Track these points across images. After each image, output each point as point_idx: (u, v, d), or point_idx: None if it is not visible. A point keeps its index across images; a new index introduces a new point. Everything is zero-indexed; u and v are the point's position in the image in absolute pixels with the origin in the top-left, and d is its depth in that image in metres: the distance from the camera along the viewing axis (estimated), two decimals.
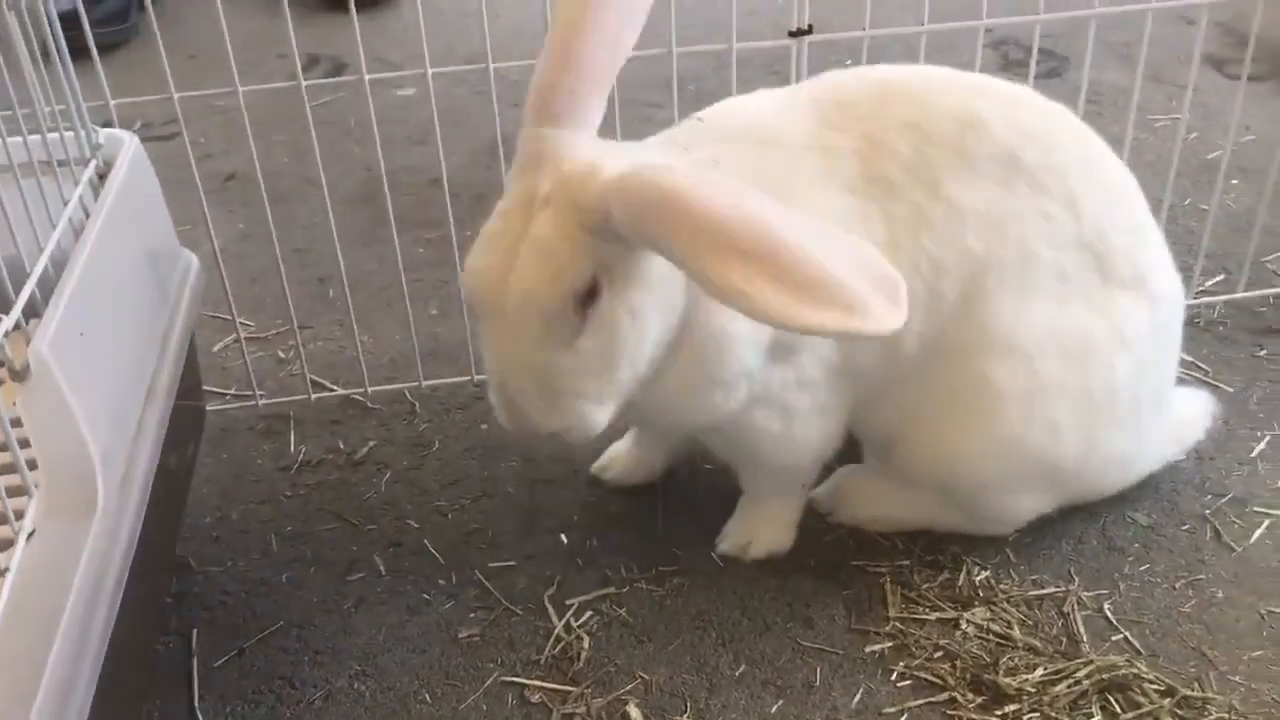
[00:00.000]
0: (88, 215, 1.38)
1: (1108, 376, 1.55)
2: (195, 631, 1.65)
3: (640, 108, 2.94)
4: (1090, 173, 1.56)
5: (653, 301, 1.33)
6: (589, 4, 1.29)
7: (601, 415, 1.37)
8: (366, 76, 1.82)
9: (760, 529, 1.73)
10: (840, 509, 1.79)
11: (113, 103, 1.76)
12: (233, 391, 2.09)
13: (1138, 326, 1.56)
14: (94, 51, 1.68)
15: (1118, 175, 1.62)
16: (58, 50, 1.49)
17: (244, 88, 1.80)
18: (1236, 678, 1.52)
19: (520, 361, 1.32)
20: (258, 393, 2.03)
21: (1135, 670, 1.52)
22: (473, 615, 1.66)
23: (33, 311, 1.23)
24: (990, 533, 1.72)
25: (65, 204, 1.36)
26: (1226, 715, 1.46)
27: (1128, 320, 1.55)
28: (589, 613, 1.66)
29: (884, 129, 1.50)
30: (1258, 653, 1.55)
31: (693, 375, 1.44)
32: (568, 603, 1.67)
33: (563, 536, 1.78)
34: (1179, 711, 1.47)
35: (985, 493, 1.65)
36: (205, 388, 2.07)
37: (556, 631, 1.62)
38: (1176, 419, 1.78)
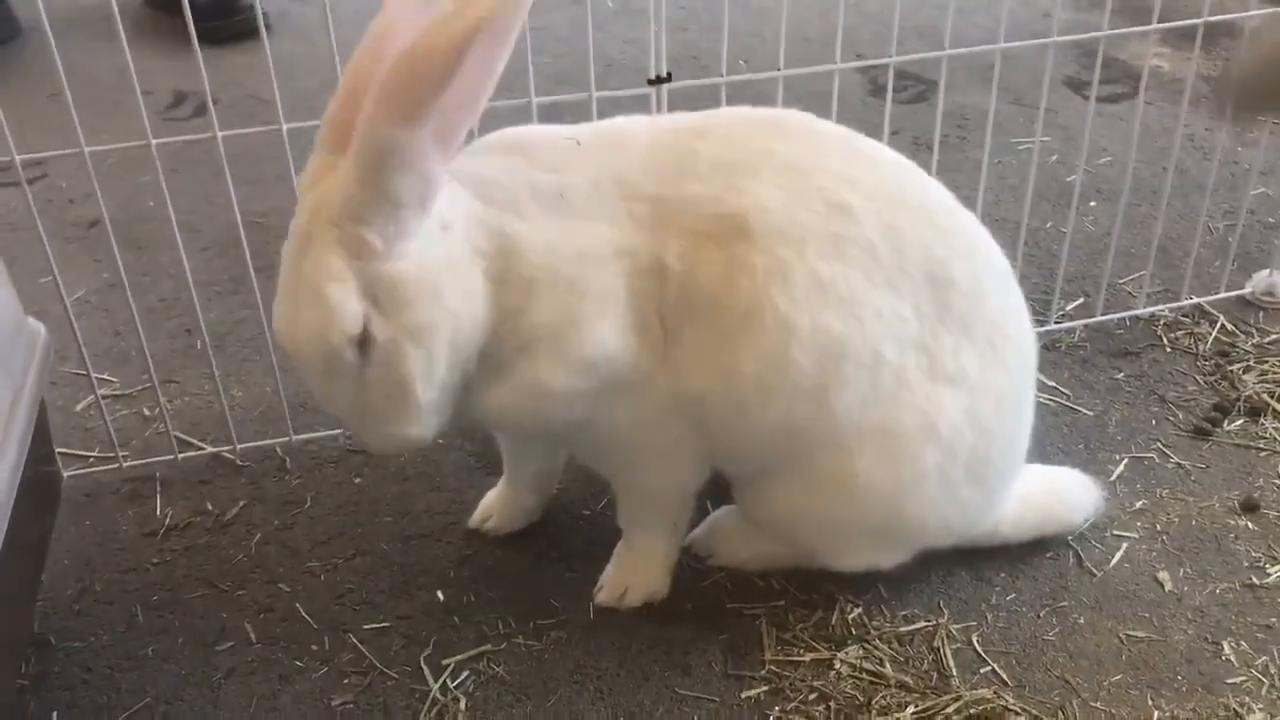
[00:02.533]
0: None
1: (915, 466, 1.56)
2: (55, 714, 1.60)
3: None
4: (935, 262, 1.54)
5: (436, 313, 1.37)
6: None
7: (418, 430, 1.43)
8: (220, 133, 1.79)
9: (635, 575, 1.74)
10: (719, 551, 1.80)
11: None
12: (95, 453, 2.03)
13: (951, 421, 1.56)
14: None
15: (959, 266, 1.56)
16: None
17: (90, 147, 1.75)
18: (1098, 704, 1.57)
19: (326, 397, 1.40)
20: (121, 454, 1.97)
21: (1003, 702, 1.56)
22: (347, 681, 1.63)
23: None
24: (862, 570, 1.74)
25: None
26: None
27: (941, 415, 1.55)
28: (465, 672, 1.64)
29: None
30: (1117, 677, 1.61)
31: (531, 374, 1.45)
32: (444, 663, 1.65)
33: (439, 594, 1.76)
34: None
35: (818, 551, 1.69)
36: (67, 451, 2.01)
37: (433, 694, 1.61)
38: (1057, 499, 1.80)
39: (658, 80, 1.84)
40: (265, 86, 3.29)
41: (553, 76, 3.13)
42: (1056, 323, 2.24)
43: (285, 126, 1.81)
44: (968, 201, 2.49)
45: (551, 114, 1.86)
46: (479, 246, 1.41)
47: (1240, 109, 2.10)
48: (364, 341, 1.33)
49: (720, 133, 1.56)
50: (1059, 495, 1.81)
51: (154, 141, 1.77)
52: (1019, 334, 1.64)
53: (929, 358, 1.54)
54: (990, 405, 1.59)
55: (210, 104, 1.78)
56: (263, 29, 1.82)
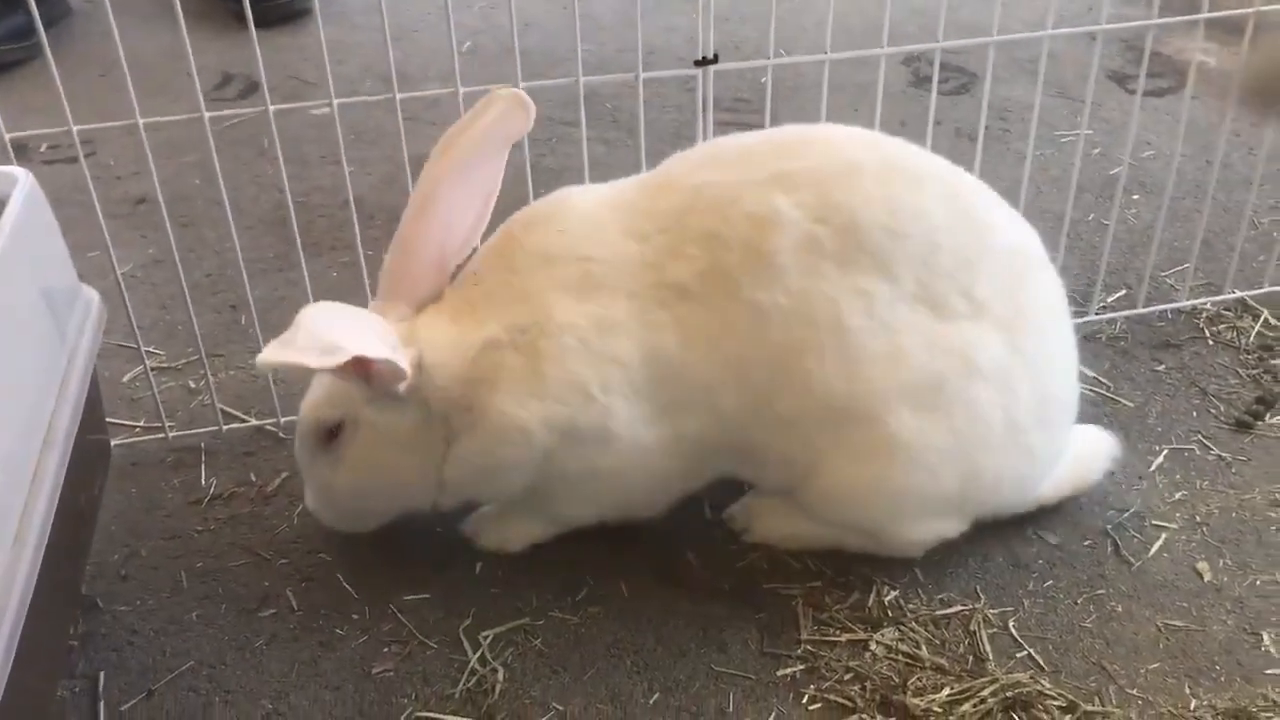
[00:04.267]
0: None
1: (970, 410, 1.58)
2: (102, 674, 1.63)
3: (557, 126, 2.95)
4: (900, 226, 1.57)
5: (395, 451, 1.62)
6: (420, 208, 1.62)
7: (340, 525, 1.77)
8: (271, 107, 1.81)
9: (514, 530, 1.79)
10: (754, 527, 1.81)
11: (8, 137, 1.73)
12: (142, 424, 2.06)
13: (991, 353, 1.58)
14: None
15: (934, 209, 1.60)
16: None
17: (144, 120, 1.77)
18: (1135, 691, 1.57)
19: (299, 459, 1.72)
20: (167, 425, 2.00)
21: (1038, 687, 1.56)
22: (386, 650, 1.66)
23: None
24: (898, 554, 1.75)
25: None
26: None
27: (976, 349, 1.57)
28: (504, 644, 1.66)
29: (683, 240, 1.59)
30: (1154, 665, 1.60)
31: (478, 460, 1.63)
32: (482, 635, 1.67)
33: (477, 566, 1.78)
34: None
35: (883, 529, 1.69)
36: (113, 420, 2.04)
37: (471, 664, 1.63)
38: (1074, 458, 1.80)
39: (704, 61, 1.85)
40: (308, 69, 3.36)
41: (594, 64, 3.14)
42: (1097, 313, 2.23)
43: (335, 102, 1.82)
44: (1009, 194, 2.50)
45: (599, 93, 1.87)
46: None
47: (1250, 105, 2.09)
48: (331, 438, 1.63)
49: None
50: (1077, 453, 1.81)
51: (206, 114, 1.79)
52: (1031, 268, 1.67)
53: (926, 304, 1.56)
54: (1034, 337, 1.61)
55: (264, 83, 1.80)
56: (317, 12, 1.84)
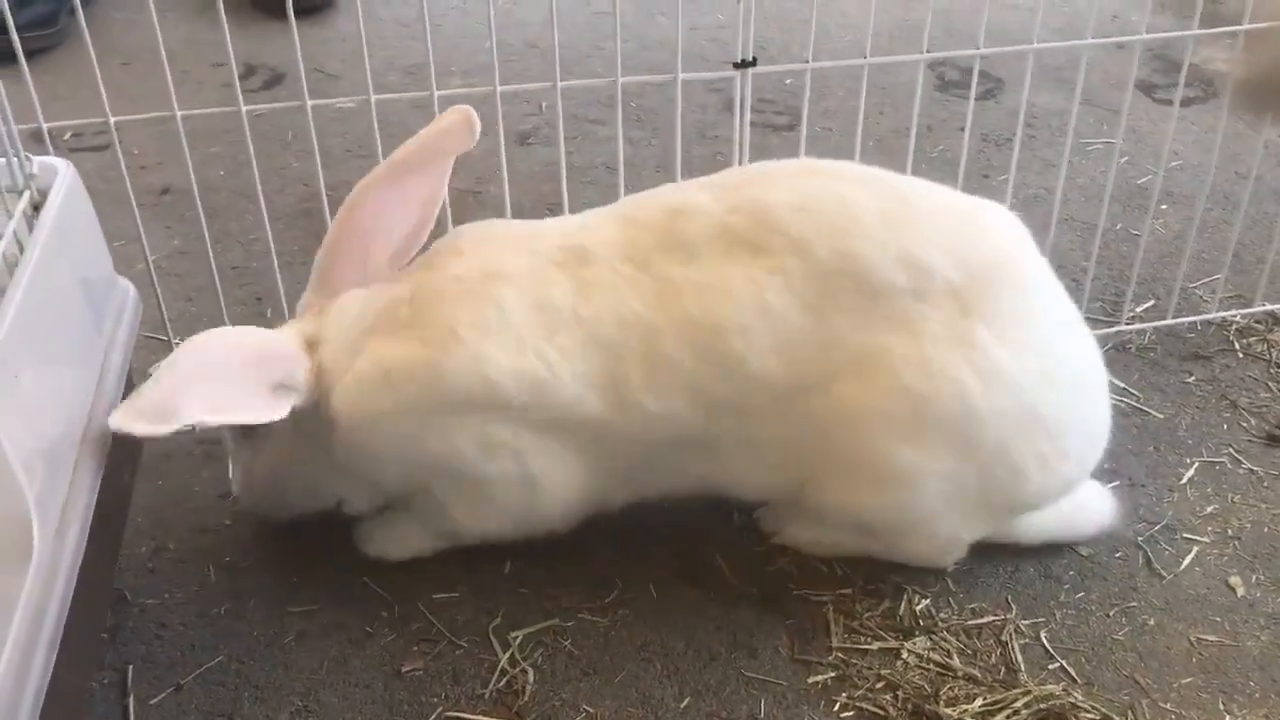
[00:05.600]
0: (21, 249, 1.35)
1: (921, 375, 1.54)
2: (131, 667, 1.62)
3: (583, 124, 2.94)
4: (811, 204, 1.58)
5: (304, 447, 1.65)
6: (348, 207, 1.67)
7: (259, 511, 1.81)
8: (309, 102, 1.80)
9: (401, 537, 1.78)
10: (784, 530, 1.80)
11: (45, 126, 1.72)
12: None
13: (936, 328, 1.54)
14: (23, 62, 1.64)
15: (854, 192, 1.60)
16: None
17: (181, 112, 1.76)
18: (1168, 705, 1.56)
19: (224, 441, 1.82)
20: None
21: (1071, 699, 1.56)
22: (416, 648, 1.65)
23: None
24: (926, 564, 1.74)
25: None
26: None
27: (920, 321, 1.54)
28: (533, 645, 1.65)
29: (596, 222, 1.67)
30: (1188, 680, 1.60)
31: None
32: (512, 635, 1.66)
33: (507, 565, 1.77)
34: None
35: (900, 531, 1.68)
36: None
37: (501, 665, 1.62)
38: (1076, 504, 1.76)
39: (743, 64, 1.84)
40: (331, 62, 3.35)
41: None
42: (1127, 323, 2.23)
43: (374, 99, 1.81)
44: (1037, 200, 2.50)
45: (624, 90, 1.87)
46: None
47: (1245, 109, 2.09)
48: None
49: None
50: (1078, 501, 1.77)
51: (244, 108, 1.78)
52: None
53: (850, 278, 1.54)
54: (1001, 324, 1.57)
55: (302, 77, 1.78)
56: (359, 9, 1.83)
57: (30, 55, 1.68)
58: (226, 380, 1.50)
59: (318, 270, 1.69)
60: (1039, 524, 1.75)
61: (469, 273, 1.59)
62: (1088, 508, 1.79)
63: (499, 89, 1.81)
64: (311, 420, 1.60)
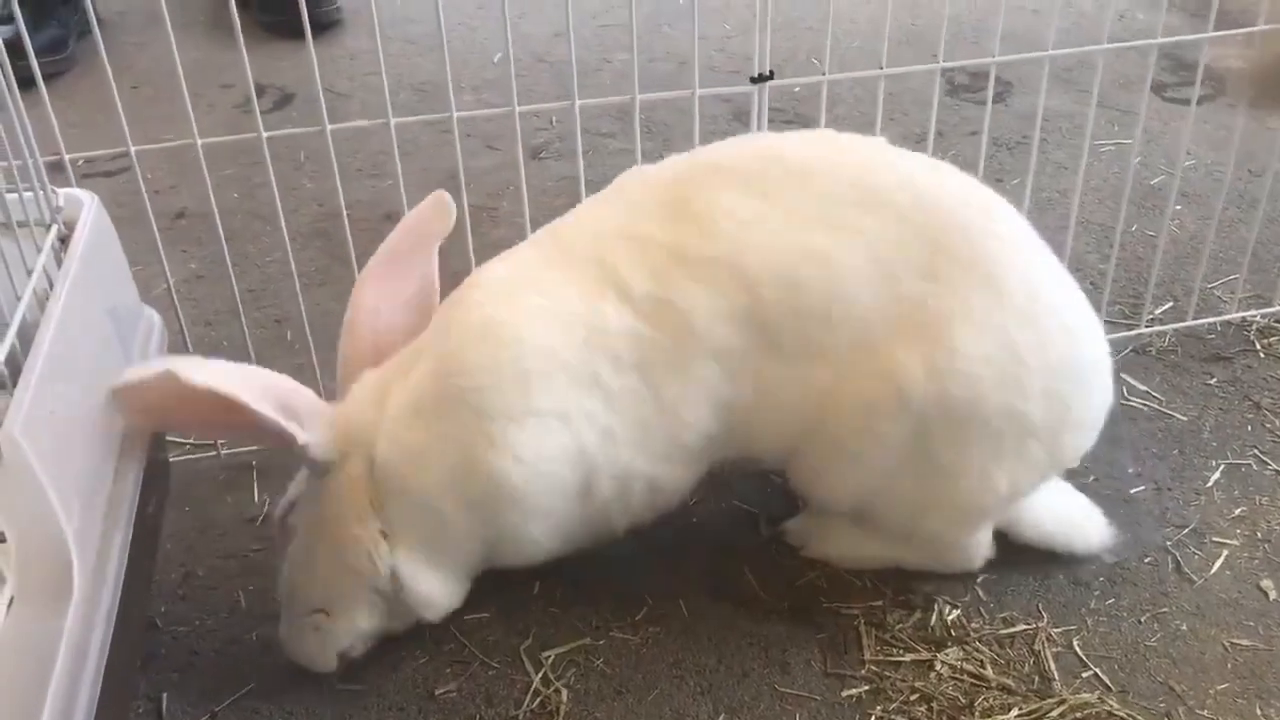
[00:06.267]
0: (50, 284, 1.35)
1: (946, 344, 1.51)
2: (165, 695, 1.62)
3: (594, 138, 2.94)
4: (765, 165, 1.57)
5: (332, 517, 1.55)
6: (355, 296, 1.67)
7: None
8: (329, 127, 1.81)
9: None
10: (811, 544, 1.80)
11: (67, 157, 1.73)
12: (193, 441, 2.06)
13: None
14: (43, 91, 1.65)
15: (808, 151, 1.60)
16: (10, 99, 1.45)
17: (203, 140, 1.77)
18: (1204, 712, 1.56)
19: None
20: (219, 443, 2.00)
21: (1107, 707, 1.55)
22: (449, 670, 1.65)
23: None
24: (956, 569, 1.73)
25: (28, 272, 1.32)
26: None
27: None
28: (565, 664, 1.65)
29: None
30: (1223, 686, 1.59)
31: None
32: (544, 655, 1.66)
33: (536, 585, 1.77)
34: None
35: (920, 517, 1.66)
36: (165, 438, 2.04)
37: (535, 685, 1.62)
38: (1074, 522, 1.77)
39: (760, 79, 1.84)
40: (340, 81, 3.35)
41: (626, 75, 3.14)
42: (1147, 326, 2.22)
43: (394, 121, 1.82)
44: (1050, 203, 2.50)
45: (647, 106, 1.87)
46: None
47: (1250, 102, 2.08)
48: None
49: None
50: (1078, 519, 1.78)
51: (265, 134, 1.79)
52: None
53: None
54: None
55: (321, 97, 1.80)
56: (377, 29, 1.83)
57: (35, 84, 1.68)
58: (244, 379, 1.43)
59: (340, 362, 1.66)
60: (1040, 524, 1.75)
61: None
62: (1086, 527, 1.78)
63: (517, 109, 1.82)
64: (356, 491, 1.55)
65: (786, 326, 1.53)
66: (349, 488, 1.53)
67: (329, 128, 1.80)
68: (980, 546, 1.73)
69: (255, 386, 1.42)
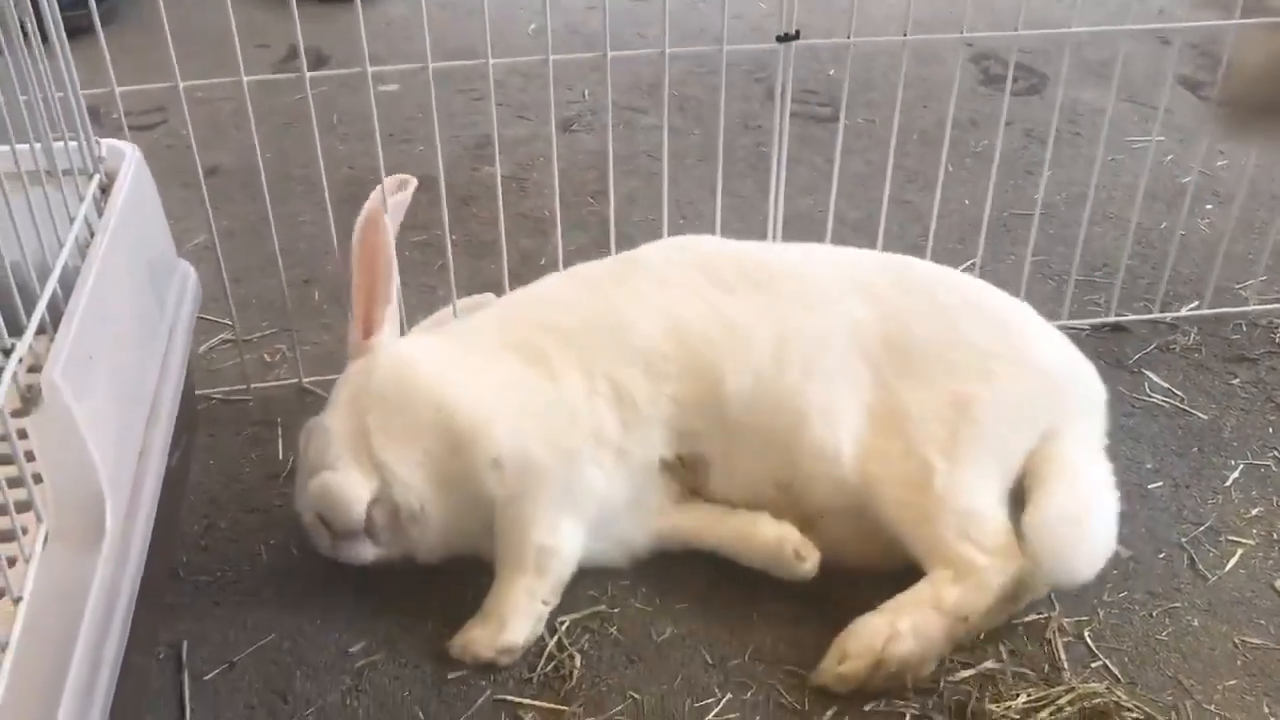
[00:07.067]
0: (91, 232, 1.37)
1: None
2: (185, 644, 1.65)
3: (623, 111, 2.95)
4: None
5: None
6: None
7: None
8: (370, 69, 1.84)
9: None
10: None
11: (119, 90, 1.75)
12: (220, 395, 2.08)
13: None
14: (101, 36, 1.66)
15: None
16: (61, 51, 1.47)
17: (249, 78, 1.79)
18: (1212, 707, 1.57)
19: None
20: (248, 398, 2.02)
21: (1115, 698, 1.56)
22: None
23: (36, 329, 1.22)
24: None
25: (70, 220, 1.34)
26: None
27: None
28: (580, 630, 1.67)
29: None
30: (1232, 682, 1.60)
31: None
32: (559, 620, 1.68)
33: None
34: None
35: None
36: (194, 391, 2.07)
37: (549, 650, 1.64)
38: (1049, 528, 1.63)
39: (786, 37, 1.85)
40: (375, 43, 3.36)
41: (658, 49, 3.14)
42: (1171, 324, 2.22)
43: (432, 65, 1.84)
44: (1080, 198, 2.49)
45: (678, 81, 1.88)
46: None
47: (1234, 123, 2.07)
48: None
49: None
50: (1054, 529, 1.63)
51: (308, 74, 1.81)
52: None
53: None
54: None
55: (366, 58, 1.82)
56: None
57: (75, 35, 1.68)
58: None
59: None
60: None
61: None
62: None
63: (551, 58, 1.83)
64: None
65: None
66: None
67: (370, 70, 1.82)
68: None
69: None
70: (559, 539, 1.66)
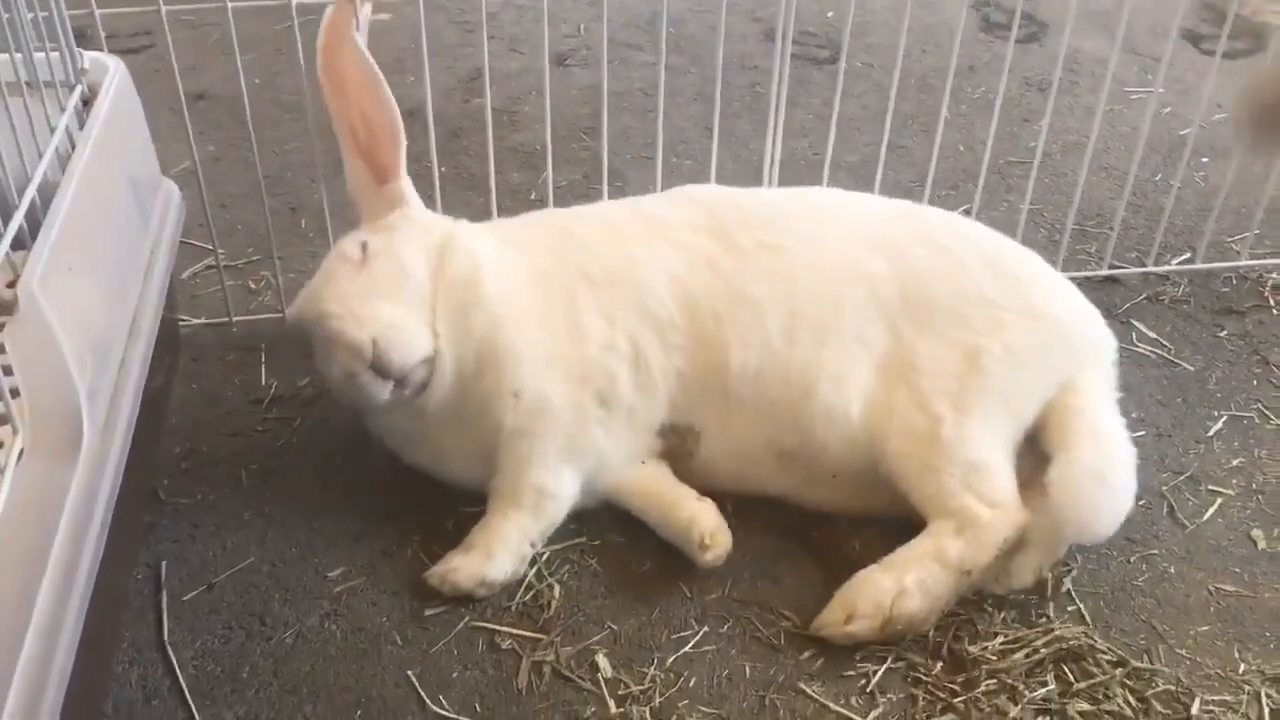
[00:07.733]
0: (73, 144, 1.35)
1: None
2: (164, 564, 1.65)
3: (620, 48, 2.91)
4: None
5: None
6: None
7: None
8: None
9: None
10: None
11: (99, 12, 1.72)
12: (203, 320, 2.07)
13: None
14: None
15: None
16: None
17: (233, 3, 1.76)
18: (1183, 651, 1.58)
19: None
20: (231, 323, 2.01)
21: (1090, 641, 1.57)
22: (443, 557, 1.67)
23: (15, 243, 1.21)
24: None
25: (51, 130, 1.32)
26: (1173, 687, 1.53)
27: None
28: (560, 561, 1.68)
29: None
30: (1204, 628, 1.61)
31: None
32: (539, 552, 1.68)
33: None
34: (1129, 682, 1.53)
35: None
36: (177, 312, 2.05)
37: (528, 579, 1.64)
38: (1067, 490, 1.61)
39: None
40: None
41: None
42: (1160, 274, 2.21)
43: (426, 22, 1.80)
44: (1076, 146, 2.46)
45: (676, 19, 1.84)
46: None
47: (1258, 134, 2.04)
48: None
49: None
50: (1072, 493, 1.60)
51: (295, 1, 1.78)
52: None
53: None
54: None
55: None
56: None
57: None
58: None
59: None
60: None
61: None
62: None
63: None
64: None
65: None
66: None
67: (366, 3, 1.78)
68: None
69: None
70: (559, 485, 1.66)
